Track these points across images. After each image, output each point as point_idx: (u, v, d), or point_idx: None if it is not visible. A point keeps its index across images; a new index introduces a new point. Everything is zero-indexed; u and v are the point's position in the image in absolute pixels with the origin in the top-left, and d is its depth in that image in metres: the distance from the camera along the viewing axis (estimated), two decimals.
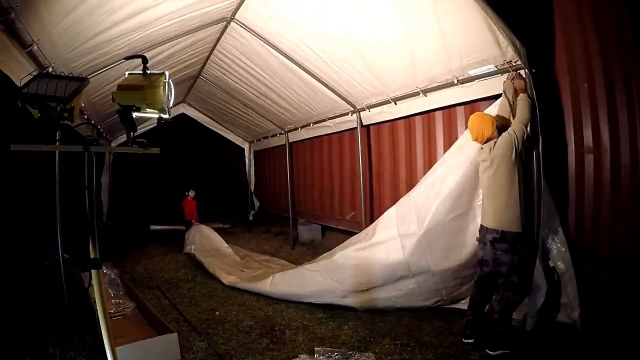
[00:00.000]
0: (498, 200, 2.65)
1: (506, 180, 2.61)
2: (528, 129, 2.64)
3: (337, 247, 3.95)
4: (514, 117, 2.75)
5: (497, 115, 2.85)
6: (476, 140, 2.80)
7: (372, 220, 4.99)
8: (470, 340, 2.76)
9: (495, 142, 2.67)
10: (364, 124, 4.67)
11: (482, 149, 2.80)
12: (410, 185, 4.48)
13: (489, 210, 2.72)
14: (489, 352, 2.59)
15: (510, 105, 2.84)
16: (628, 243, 2.60)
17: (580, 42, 2.74)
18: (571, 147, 2.86)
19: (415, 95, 3.72)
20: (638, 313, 2.44)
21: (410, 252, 3.17)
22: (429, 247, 3.15)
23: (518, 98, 2.71)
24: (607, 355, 2.42)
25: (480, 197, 2.94)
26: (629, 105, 2.58)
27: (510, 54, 2.76)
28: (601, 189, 2.72)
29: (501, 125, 2.76)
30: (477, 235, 2.89)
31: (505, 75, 2.89)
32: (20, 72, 2.21)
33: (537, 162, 2.70)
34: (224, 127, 8.36)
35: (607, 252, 2.69)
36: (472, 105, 3.66)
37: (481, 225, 2.79)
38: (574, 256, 2.64)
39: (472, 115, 2.84)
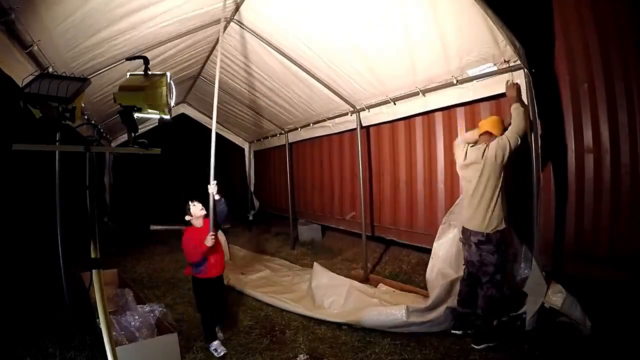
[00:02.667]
0: (482, 204, 2.74)
1: (492, 184, 2.70)
2: (520, 139, 2.66)
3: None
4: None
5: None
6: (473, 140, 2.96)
7: (372, 221, 5.02)
8: (458, 332, 2.93)
9: (487, 146, 2.74)
10: (363, 124, 4.68)
11: (468, 150, 2.88)
12: (411, 186, 4.49)
13: (472, 213, 2.81)
14: (474, 346, 2.75)
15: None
16: (628, 243, 2.60)
17: (580, 42, 2.75)
18: (571, 147, 2.87)
19: (414, 96, 3.72)
20: (638, 313, 2.45)
21: None
22: None
23: (512, 107, 2.69)
24: (607, 355, 2.42)
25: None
26: (629, 105, 2.58)
27: (509, 53, 2.77)
28: (601, 189, 2.72)
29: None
30: (460, 236, 3.02)
31: (504, 75, 2.90)
32: (21, 73, 2.21)
33: (537, 163, 2.71)
34: (224, 127, 8.36)
35: (607, 252, 2.70)
36: (471, 106, 3.66)
37: (464, 227, 2.92)
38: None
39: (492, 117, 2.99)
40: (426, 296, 3.47)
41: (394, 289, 3.97)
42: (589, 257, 2.76)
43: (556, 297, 2.62)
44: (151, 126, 6.12)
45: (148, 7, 2.95)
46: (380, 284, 4.13)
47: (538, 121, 2.68)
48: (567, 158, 2.86)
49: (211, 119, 8.55)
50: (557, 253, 2.95)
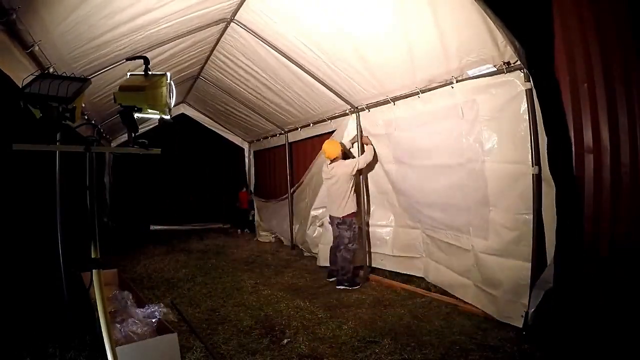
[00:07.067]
0: (339, 200, 4.25)
1: (343, 188, 4.23)
2: (364, 164, 4.31)
3: None
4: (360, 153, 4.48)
5: (342, 144, 4.55)
6: (328, 157, 4.41)
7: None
8: (332, 279, 4.39)
9: (338, 163, 4.32)
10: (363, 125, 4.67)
11: (327, 166, 4.43)
12: None
13: (333, 206, 4.35)
14: (337, 287, 4.19)
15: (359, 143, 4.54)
16: (628, 243, 2.60)
17: (580, 42, 2.74)
18: (571, 147, 2.86)
19: (414, 96, 3.72)
20: (638, 312, 2.45)
21: None
22: None
23: (367, 145, 4.43)
24: (604, 353, 2.42)
25: None
26: (629, 105, 2.57)
27: (508, 54, 2.77)
28: (601, 189, 2.72)
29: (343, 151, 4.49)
30: (328, 220, 4.58)
31: (502, 75, 2.91)
32: (21, 73, 2.21)
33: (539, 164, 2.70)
34: (223, 127, 8.37)
35: (607, 252, 2.69)
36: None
37: (330, 215, 4.45)
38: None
39: (327, 141, 4.53)
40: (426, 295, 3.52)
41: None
42: (589, 257, 2.76)
43: None
44: (151, 126, 6.12)
45: (151, 11, 2.96)
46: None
47: (541, 123, 2.69)
48: (567, 158, 2.86)
49: (211, 119, 8.59)
50: (557, 252, 2.95)
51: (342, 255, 4.21)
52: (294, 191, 6.41)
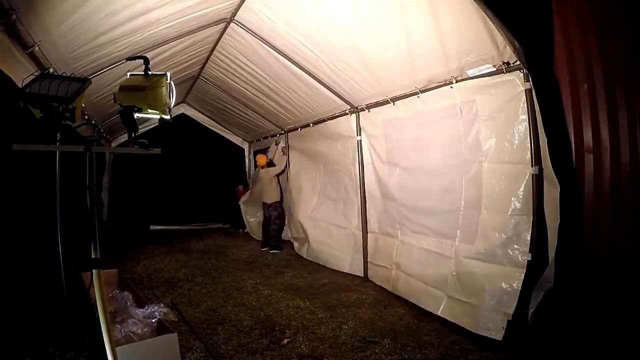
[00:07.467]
0: (269, 192, 6.46)
1: (272, 184, 6.45)
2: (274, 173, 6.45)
3: None
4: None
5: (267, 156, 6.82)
6: (260, 165, 6.73)
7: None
8: (265, 248, 6.34)
9: (267, 169, 6.55)
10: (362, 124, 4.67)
11: (261, 170, 6.71)
12: None
13: (266, 195, 6.48)
14: (270, 251, 6.19)
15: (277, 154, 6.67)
16: (628, 243, 2.60)
17: (580, 42, 2.74)
18: (571, 147, 2.86)
19: (413, 95, 3.73)
20: (637, 312, 2.44)
21: None
22: None
23: (281, 156, 6.62)
24: (604, 353, 2.42)
25: None
26: (629, 105, 2.57)
27: (508, 54, 2.77)
28: (601, 189, 2.72)
29: (270, 161, 6.74)
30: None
31: (502, 75, 2.91)
32: (21, 73, 2.21)
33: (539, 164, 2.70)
34: (224, 127, 8.37)
35: (607, 252, 2.69)
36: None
37: (263, 202, 6.56)
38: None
39: (259, 155, 6.98)
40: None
41: None
42: (589, 257, 2.76)
43: None
44: (151, 126, 6.12)
45: (151, 11, 2.96)
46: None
47: (540, 123, 2.69)
48: (566, 158, 2.86)
49: (211, 119, 8.57)
50: (558, 252, 2.95)
51: (273, 228, 6.33)
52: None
